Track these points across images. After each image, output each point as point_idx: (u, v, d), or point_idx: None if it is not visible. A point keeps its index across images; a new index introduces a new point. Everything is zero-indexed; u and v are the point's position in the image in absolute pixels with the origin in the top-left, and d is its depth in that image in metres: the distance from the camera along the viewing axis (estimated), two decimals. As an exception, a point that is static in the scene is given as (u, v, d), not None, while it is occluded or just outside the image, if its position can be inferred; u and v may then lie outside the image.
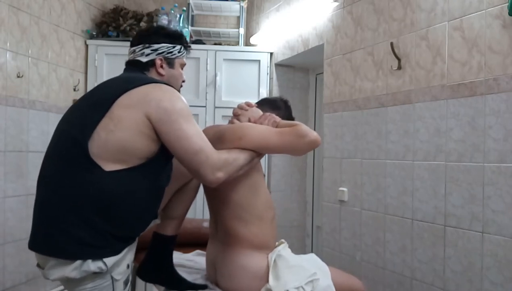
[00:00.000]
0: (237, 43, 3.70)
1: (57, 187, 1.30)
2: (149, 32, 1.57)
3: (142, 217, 1.42)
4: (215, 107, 3.41)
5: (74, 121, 1.36)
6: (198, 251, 1.98)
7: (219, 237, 1.60)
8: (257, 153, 1.49)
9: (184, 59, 1.61)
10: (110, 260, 1.29)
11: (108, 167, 1.29)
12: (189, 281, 1.66)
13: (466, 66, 1.79)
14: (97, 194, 1.28)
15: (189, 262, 1.87)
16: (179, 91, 1.53)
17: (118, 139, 1.29)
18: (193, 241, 2.08)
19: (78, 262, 1.26)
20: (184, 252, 1.99)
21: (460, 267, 1.80)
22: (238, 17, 3.72)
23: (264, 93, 3.43)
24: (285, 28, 3.11)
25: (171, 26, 3.42)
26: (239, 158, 1.42)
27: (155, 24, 3.35)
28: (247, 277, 1.51)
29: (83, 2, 3.41)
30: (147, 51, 1.51)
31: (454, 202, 1.83)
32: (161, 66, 1.52)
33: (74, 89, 3.27)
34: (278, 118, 1.61)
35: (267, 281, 1.49)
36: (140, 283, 2.82)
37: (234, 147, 1.45)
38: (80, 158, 1.28)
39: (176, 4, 3.60)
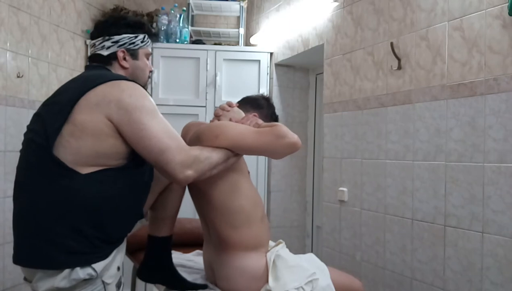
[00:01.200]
0: (237, 43, 3.70)
1: (36, 197, 1.24)
2: (108, 23, 1.48)
3: (127, 216, 1.36)
4: (215, 107, 3.40)
5: (37, 129, 1.28)
6: (198, 251, 1.98)
7: (212, 241, 1.59)
8: (233, 152, 1.43)
9: (149, 48, 1.51)
10: (99, 265, 1.25)
11: (86, 170, 1.23)
12: (189, 281, 1.66)
13: (466, 66, 1.79)
14: (77, 198, 1.22)
15: (189, 262, 1.87)
16: (146, 83, 1.46)
17: (89, 145, 1.23)
18: (193, 241, 2.07)
19: (67, 271, 1.21)
20: (184, 252, 1.99)
21: (460, 267, 1.80)
22: (238, 17, 3.72)
23: (264, 93, 3.42)
24: (285, 28, 3.11)
25: (171, 27, 3.42)
26: (211, 156, 1.35)
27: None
28: (245, 279, 1.51)
29: (83, 2, 3.41)
30: (107, 44, 1.43)
31: (454, 202, 1.83)
32: (124, 59, 1.44)
33: (74, 89, 3.26)
34: (260, 121, 1.57)
35: (266, 281, 1.49)
36: (140, 283, 2.82)
37: (210, 145, 1.39)
38: (52, 166, 1.22)
39: (176, 4, 3.60)
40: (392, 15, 2.17)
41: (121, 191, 1.30)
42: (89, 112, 1.23)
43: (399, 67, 2.11)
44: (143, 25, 1.51)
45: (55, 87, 3.10)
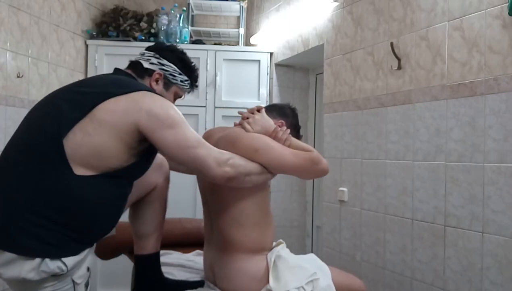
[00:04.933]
0: (237, 43, 3.70)
1: (22, 179, 1.22)
2: (168, 47, 1.52)
3: (105, 225, 1.35)
4: (215, 107, 3.41)
5: (50, 115, 1.27)
6: (198, 251, 1.98)
7: (214, 241, 1.59)
8: (268, 171, 1.47)
9: (183, 93, 1.54)
10: (70, 260, 1.22)
11: (79, 170, 1.22)
12: (183, 280, 1.63)
13: (466, 66, 1.79)
14: (63, 196, 1.21)
15: (189, 262, 1.87)
16: None
17: (93, 143, 1.23)
18: (193, 241, 2.07)
19: (37, 260, 1.17)
20: (184, 252, 1.99)
21: (460, 267, 1.80)
22: (238, 17, 3.72)
23: (264, 93, 3.43)
24: (285, 28, 3.11)
25: (171, 27, 3.42)
26: (249, 164, 1.39)
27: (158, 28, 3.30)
28: (246, 280, 1.51)
29: (83, 2, 3.41)
30: (154, 60, 1.46)
31: (454, 202, 1.83)
32: (156, 81, 1.46)
33: (74, 89, 3.26)
34: (290, 137, 1.59)
35: (267, 281, 1.49)
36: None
37: (245, 156, 1.42)
38: (54, 155, 1.21)
39: (176, 4, 3.60)
40: (392, 15, 2.17)
41: (105, 201, 1.29)
42: (114, 114, 1.25)
43: (399, 67, 2.11)
44: (194, 70, 1.54)
45: (55, 87, 3.09)
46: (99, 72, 3.36)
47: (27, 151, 1.25)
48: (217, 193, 1.55)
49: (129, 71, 1.46)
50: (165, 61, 1.46)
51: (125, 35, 3.46)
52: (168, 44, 1.59)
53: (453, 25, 1.85)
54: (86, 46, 3.42)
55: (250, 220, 1.53)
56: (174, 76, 1.48)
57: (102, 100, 1.25)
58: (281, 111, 1.72)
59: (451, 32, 1.86)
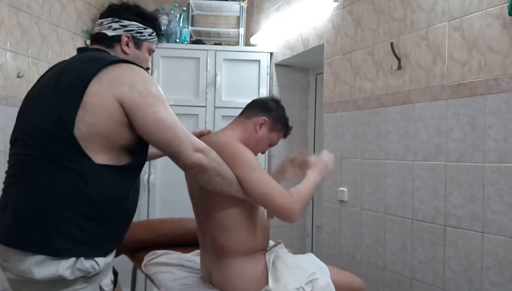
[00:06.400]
0: (237, 43, 3.70)
1: (48, 182, 1.19)
2: (122, 7, 1.45)
3: (128, 220, 1.35)
4: (215, 107, 3.41)
5: (47, 113, 1.22)
6: (198, 251, 1.97)
7: (207, 245, 1.60)
8: (240, 189, 1.44)
9: (154, 45, 1.49)
10: (101, 261, 1.22)
11: (98, 158, 1.20)
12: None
13: (466, 66, 1.79)
14: (89, 186, 1.19)
15: (189, 262, 1.87)
16: None
17: (99, 131, 1.20)
18: (193, 241, 2.07)
19: (72, 259, 1.16)
20: (184, 252, 2.00)
21: (460, 267, 1.80)
22: (238, 17, 3.72)
23: (264, 93, 3.42)
24: (285, 28, 3.11)
25: (171, 27, 3.42)
26: (225, 166, 1.38)
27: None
28: (244, 282, 1.51)
29: (83, 2, 3.41)
30: (115, 25, 1.40)
31: (454, 202, 1.83)
32: (127, 44, 1.41)
33: (74, 89, 3.27)
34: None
35: (266, 282, 1.49)
36: (140, 283, 2.82)
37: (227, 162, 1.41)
38: (67, 151, 1.18)
39: (176, 4, 3.60)
40: (392, 15, 2.17)
41: (125, 191, 1.29)
42: (100, 96, 1.20)
43: (399, 67, 2.11)
44: (155, 20, 1.49)
45: (55, 87, 3.12)
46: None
47: (41, 153, 1.21)
48: (204, 197, 1.55)
49: (95, 46, 1.42)
50: (126, 22, 1.41)
51: (125, 35, 3.45)
52: (118, 3, 1.51)
53: (453, 25, 1.85)
54: (86, 46, 3.42)
55: (236, 224, 1.51)
56: (141, 32, 1.44)
57: (88, 82, 1.21)
58: (264, 107, 1.68)
59: (451, 32, 1.86)
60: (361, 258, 2.36)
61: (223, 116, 3.37)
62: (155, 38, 1.49)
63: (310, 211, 3.43)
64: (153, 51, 1.51)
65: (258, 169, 1.46)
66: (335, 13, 2.60)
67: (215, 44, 3.73)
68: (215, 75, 3.39)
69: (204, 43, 3.59)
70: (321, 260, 1.70)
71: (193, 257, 1.93)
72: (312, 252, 3.29)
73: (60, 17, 3.12)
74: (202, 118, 3.38)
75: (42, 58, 2.93)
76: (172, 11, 3.46)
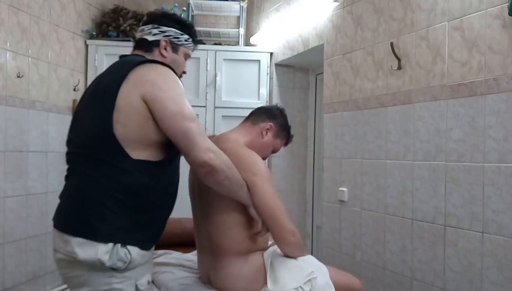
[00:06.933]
0: (237, 43, 3.70)
1: (90, 173, 1.32)
2: (162, 15, 1.58)
3: (163, 211, 1.44)
4: (215, 107, 3.41)
5: (91, 117, 1.36)
6: (198, 251, 1.98)
7: (205, 246, 1.61)
8: (248, 196, 1.49)
9: (190, 51, 1.60)
10: (134, 251, 1.30)
11: (136, 154, 1.31)
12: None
13: (466, 66, 1.79)
14: (128, 179, 1.31)
15: (189, 262, 1.87)
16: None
17: (132, 132, 1.31)
18: (193, 241, 2.07)
19: (110, 245, 1.27)
20: (184, 252, 2.00)
21: (460, 267, 1.80)
22: (238, 17, 3.72)
23: (264, 93, 3.43)
24: (285, 28, 3.11)
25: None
26: (235, 170, 1.43)
27: None
28: (243, 283, 1.51)
29: (83, 2, 3.41)
30: (154, 31, 1.51)
31: (454, 202, 1.83)
32: (165, 48, 1.51)
33: (74, 89, 3.27)
34: None
35: (264, 281, 1.49)
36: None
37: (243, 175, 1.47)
38: (109, 149, 1.30)
39: (176, 4, 3.60)
40: (392, 15, 2.17)
41: (159, 183, 1.38)
42: (128, 96, 1.30)
43: (399, 67, 2.11)
44: (191, 27, 1.60)
45: (55, 87, 3.12)
46: (99, 72, 3.34)
47: (89, 149, 1.34)
48: (205, 196, 1.56)
49: (135, 52, 1.53)
50: (165, 28, 1.52)
51: (125, 35, 3.46)
52: (158, 12, 1.66)
53: (453, 25, 1.85)
54: (86, 46, 3.42)
55: (236, 223, 1.53)
56: (178, 38, 1.54)
57: (118, 87, 1.31)
58: (270, 114, 1.76)
59: (451, 32, 1.86)
60: (361, 258, 2.36)
61: (223, 116, 3.37)
62: (191, 44, 1.59)
63: (310, 211, 3.44)
64: (189, 56, 1.61)
65: (271, 187, 1.53)
66: (335, 13, 2.60)
67: (215, 44, 3.73)
68: (215, 75, 3.39)
69: (204, 43, 3.59)
70: (321, 260, 1.70)
71: (193, 257, 1.93)
72: (312, 252, 3.30)
73: (60, 17, 3.12)
74: (202, 118, 3.38)
75: (42, 58, 2.92)
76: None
